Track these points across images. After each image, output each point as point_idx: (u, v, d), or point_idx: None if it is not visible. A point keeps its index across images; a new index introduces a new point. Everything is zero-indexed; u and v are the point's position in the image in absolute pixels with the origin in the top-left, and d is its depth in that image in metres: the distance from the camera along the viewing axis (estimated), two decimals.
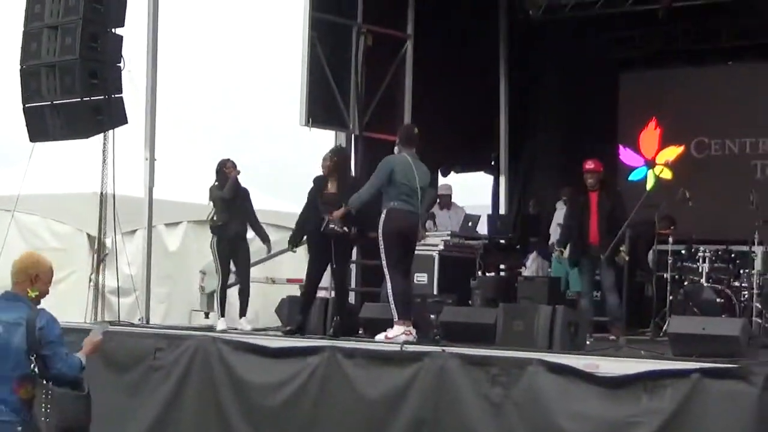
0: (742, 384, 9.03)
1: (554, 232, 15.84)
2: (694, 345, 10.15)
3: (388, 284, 11.45)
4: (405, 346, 10.97)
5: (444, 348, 10.61)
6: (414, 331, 11.54)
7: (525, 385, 9.95)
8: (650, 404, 9.33)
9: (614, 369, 9.76)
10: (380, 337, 11.49)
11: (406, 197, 11.50)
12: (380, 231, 11.48)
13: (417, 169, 11.60)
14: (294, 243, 13.13)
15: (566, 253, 13.66)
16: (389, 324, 11.55)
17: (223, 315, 13.29)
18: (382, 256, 11.46)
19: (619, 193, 13.75)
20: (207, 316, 14.84)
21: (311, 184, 12.69)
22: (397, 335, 11.37)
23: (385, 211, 11.52)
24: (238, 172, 13.28)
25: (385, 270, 11.48)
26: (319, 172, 12.67)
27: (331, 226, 12.04)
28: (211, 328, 13.28)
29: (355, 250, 14.03)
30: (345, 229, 12.10)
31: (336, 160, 12.65)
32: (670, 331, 10.72)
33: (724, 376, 9.17)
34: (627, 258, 12.53)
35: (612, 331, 13.11)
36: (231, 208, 13.25)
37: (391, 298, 11.44)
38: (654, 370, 9.52)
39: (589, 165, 13.36)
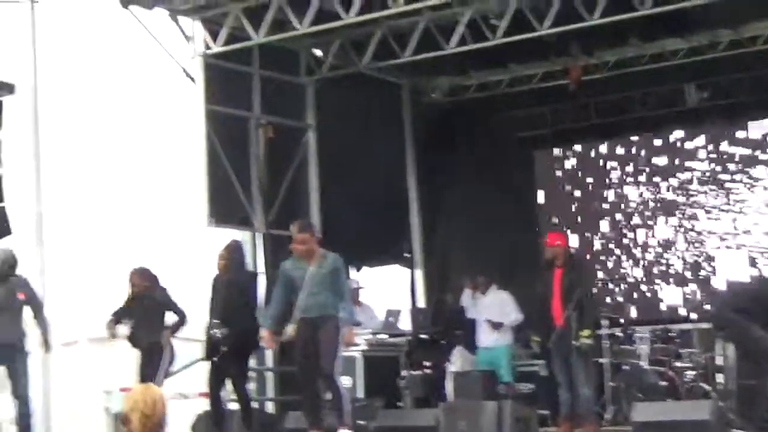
0: None
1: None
2: None
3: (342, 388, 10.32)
4: None
5: None
6: None
7: None
8: None
9: None
10: None
11: None
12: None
13: None
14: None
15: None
16: None
17: None
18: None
19: (584, 265, 12.55)
20: None
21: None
22: None
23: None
24: None
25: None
26: None
27: (215, 330, 11.10)
28: None
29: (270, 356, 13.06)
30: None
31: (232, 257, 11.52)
32: (635, 419, 9.78)
33: None
34: (590, 342, 11.30)
35: (584, 425, 11.92)
36: None
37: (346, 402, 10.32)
38: None
39: (551, 240, 12.11)
